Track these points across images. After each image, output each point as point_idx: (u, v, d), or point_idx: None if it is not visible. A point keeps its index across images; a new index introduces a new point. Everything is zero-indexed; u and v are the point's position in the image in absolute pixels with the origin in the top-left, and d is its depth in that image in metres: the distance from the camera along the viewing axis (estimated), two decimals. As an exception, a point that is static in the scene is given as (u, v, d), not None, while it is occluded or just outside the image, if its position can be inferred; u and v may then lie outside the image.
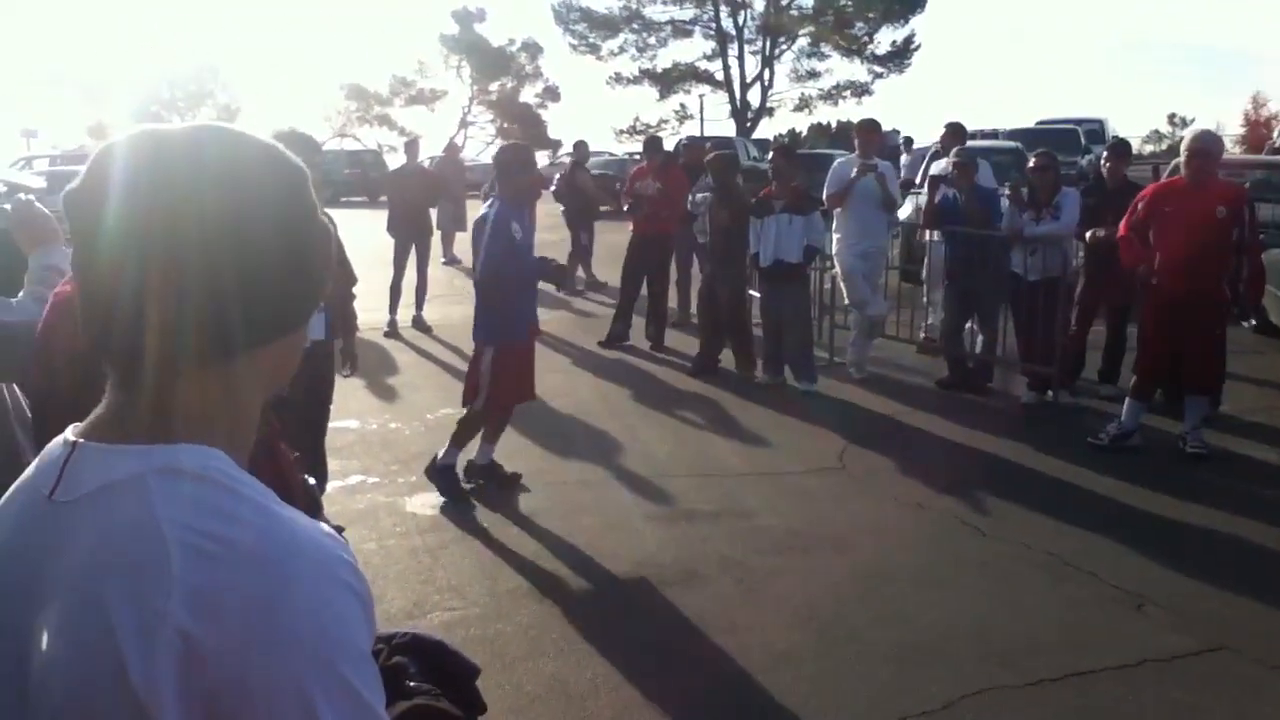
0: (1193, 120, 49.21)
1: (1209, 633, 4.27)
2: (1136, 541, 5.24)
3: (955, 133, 9.93)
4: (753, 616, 4.45)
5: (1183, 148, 6.63)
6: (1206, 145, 6.55)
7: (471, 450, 6.08)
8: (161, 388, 0.93)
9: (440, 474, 5.89)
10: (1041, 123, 26.46)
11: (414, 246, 11.30)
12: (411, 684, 1.75)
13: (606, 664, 4.03)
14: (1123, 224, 6.76)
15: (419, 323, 11.13)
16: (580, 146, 15.09)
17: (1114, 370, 8.03)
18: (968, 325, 8.69)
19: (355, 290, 5.58)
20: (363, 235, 11.19)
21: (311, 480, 2.39)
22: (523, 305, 5.93)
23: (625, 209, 10.78)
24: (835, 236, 8.77)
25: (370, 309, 9.63)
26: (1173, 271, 6.36)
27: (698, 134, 37.37)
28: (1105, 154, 8.16)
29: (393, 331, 10.82)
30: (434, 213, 15.91)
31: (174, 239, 0.90)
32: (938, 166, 9.57)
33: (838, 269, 8.97)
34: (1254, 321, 6.97)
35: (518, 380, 5.91)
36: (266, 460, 2.11)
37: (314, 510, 2.48)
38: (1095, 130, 27.27)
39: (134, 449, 0.92)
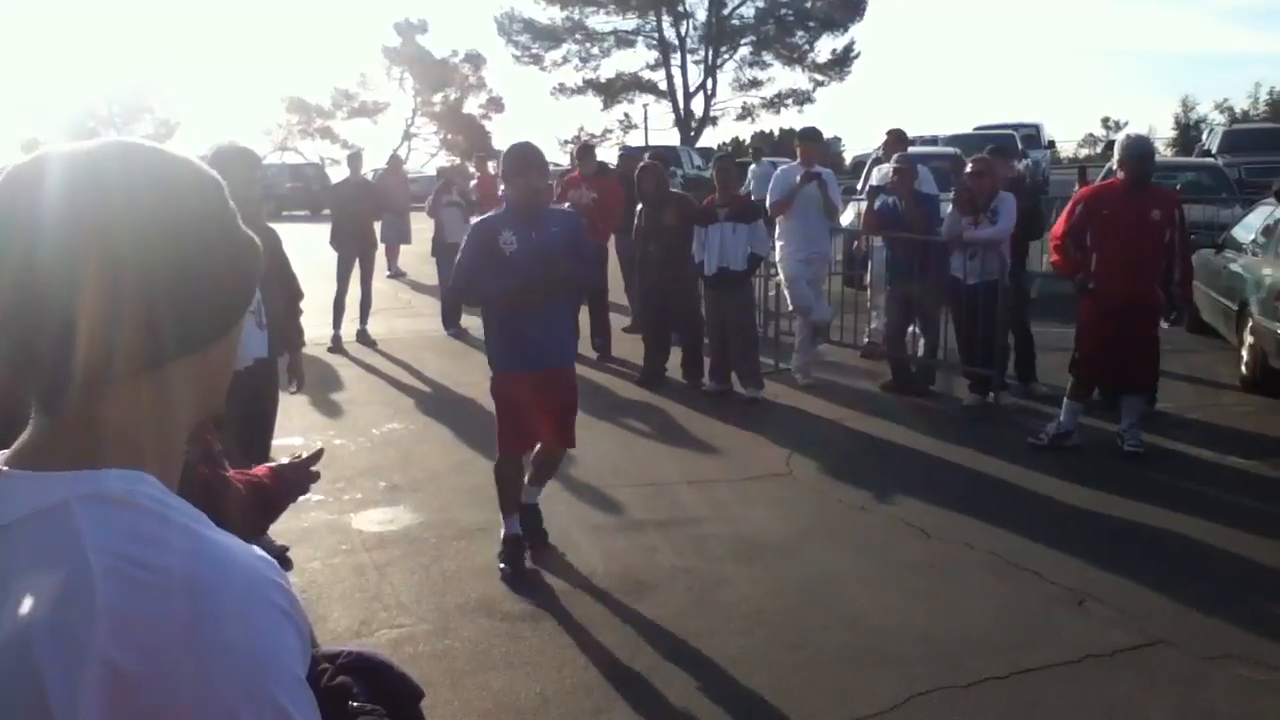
0: (1126, 124, 50.28)
1: (1148, 627, 4.35)
2: (1077, 539, 5.33)
3: (897, 139, 10.06)
4: (703, 624, 4.47)
5: (1119, 152, 6.77)
6: (1144, 149, 6.70)
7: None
8: (88, 406, 0.92)
9: (505, 550, 5.12)
10: (979, 128, 26.83)
11: (358, 260, 11.20)
12: (355, 704, 1.74)
13: (556, 678, 4.02)
14: (1058, 227, 6.89)
15: (363, 337, 11.04)
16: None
17: (1029, 370, 8.28)
18: (910, 329, 8.81)
19: (300, 305, 5.54)
20: (306, 249, 11.06)
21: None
22: (522, 329, 4.91)
23: None
24: (778, 244, 8.84)
25: (314, 324, 9.53)
26: (1113, 274, 6.49)
27: (640, 144, 37.46)
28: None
29: (337, 347, 10.72)
30: (378, 226, 15.85)
31: (106, 247, 0.89)
32: (878, 173, 9.69)
33: (781, 276, 9.04)
34: (1170, 321, 7.17)
35: (514, 423, 5.05)
36: (201, 484, 2.08)
37: (252, 532, 2.46)
38: (1032, 135, 27.74)
39: (61, 475, 0.91)
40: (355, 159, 12.48)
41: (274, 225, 5.40)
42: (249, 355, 4.75)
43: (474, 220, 5.20)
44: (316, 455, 2.36)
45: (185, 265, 0.93)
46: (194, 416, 1.01)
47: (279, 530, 5.42)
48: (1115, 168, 6.86)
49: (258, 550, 0.96)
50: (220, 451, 2.15)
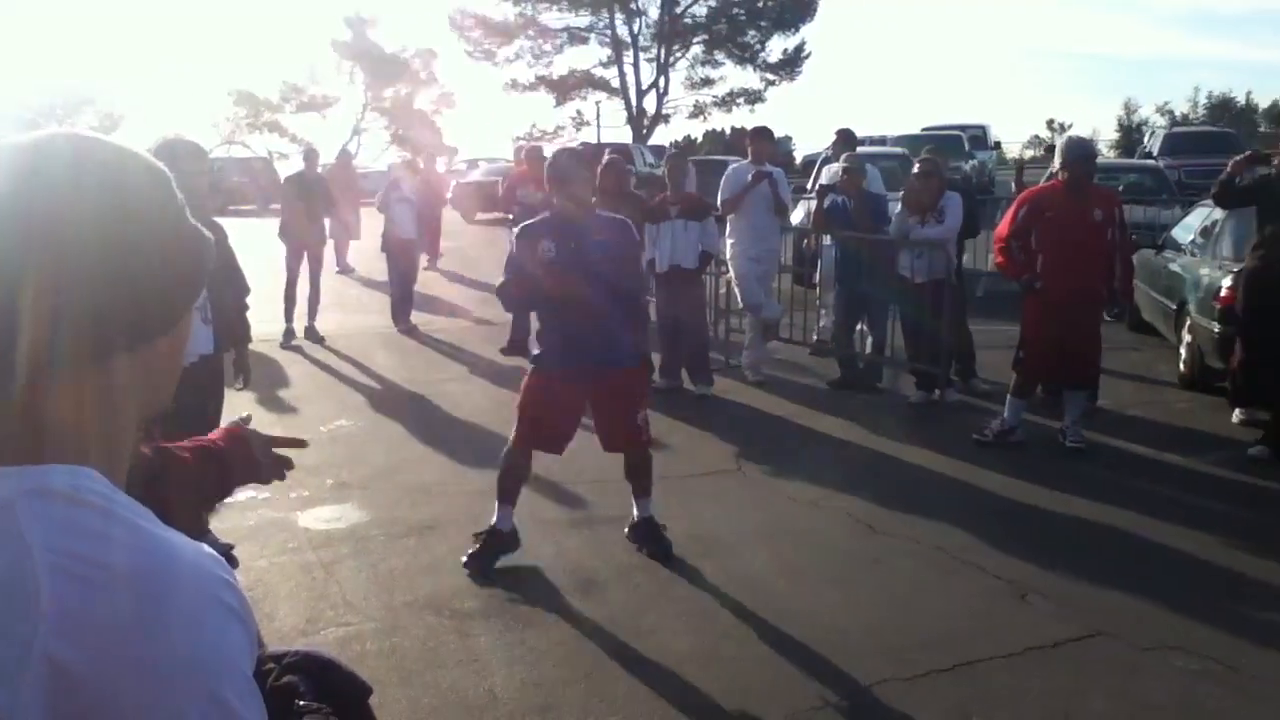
0: (1070, 125, 51.06)
1: (1088, 619, 4.44)
2: (1020, 534, 5.42)
3: (845, 139, 10.16)
4: (653, 621, 4.48)
5: (1061, 154, 6.89)
6: (1087, 151, 6.84)
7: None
8: (33, 401, 0.91)
9: (484, 534, 5.06)
10: (927, 129, 27.16)
11: (306, 254, 11.10)
12: (301, 703, 1.73)
13: (506, 674, 4.02)
14: (1002, 227, 7.01)
15: (311, 333, 10.92)
16: None
17: (969, 367, 8.43)
18: (858, 327, 8.90)
19: (247, 300, 5.48)
20: (254, 244, 10.93)
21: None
22: (568, 332, 4.93)
23: (509, 218, 10.62)
24: (729, 241, 8.89)
25: (263, 319, 9.42)
26: (1058, 274, 6.62)
27: (593, 140, 37.43)
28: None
29: (288, 341, 10.62)
30: (327, 221, 15.69)
31: (51, 238, 0.89)
32: (828, 173, 9.77)
33: (732, 273, 9.09)
34: (1112, 316, 7.37)
35: (534, 418, 5.01)
36: (148, 481, 2.05)
37: (199, 531, 2.43)
38: (978, 135, 28.13)
39: (4, 471, 0.90)
40: (311, 155, 12.48)
41: (221, 219, 5.33)
42: (194, 351, 4.69)
43: (521, 224, 5.18)
44: (297, 443, 2.08)
45: (133, 258, 0.93)
46: (142, 412, 1.00)
47: (224, 528, 5.37)
48: (1057, 169, 6.98)
49: (205, 547, 0.95)
50: (163, 449, 2.12)
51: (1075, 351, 6.71)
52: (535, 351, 5.13)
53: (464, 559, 4.97)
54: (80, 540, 0.87)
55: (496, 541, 5.00)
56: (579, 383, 4.93)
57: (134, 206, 0.94)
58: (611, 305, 4.93)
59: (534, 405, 4.99)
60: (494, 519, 5.03)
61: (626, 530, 5.28)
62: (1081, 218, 6.58)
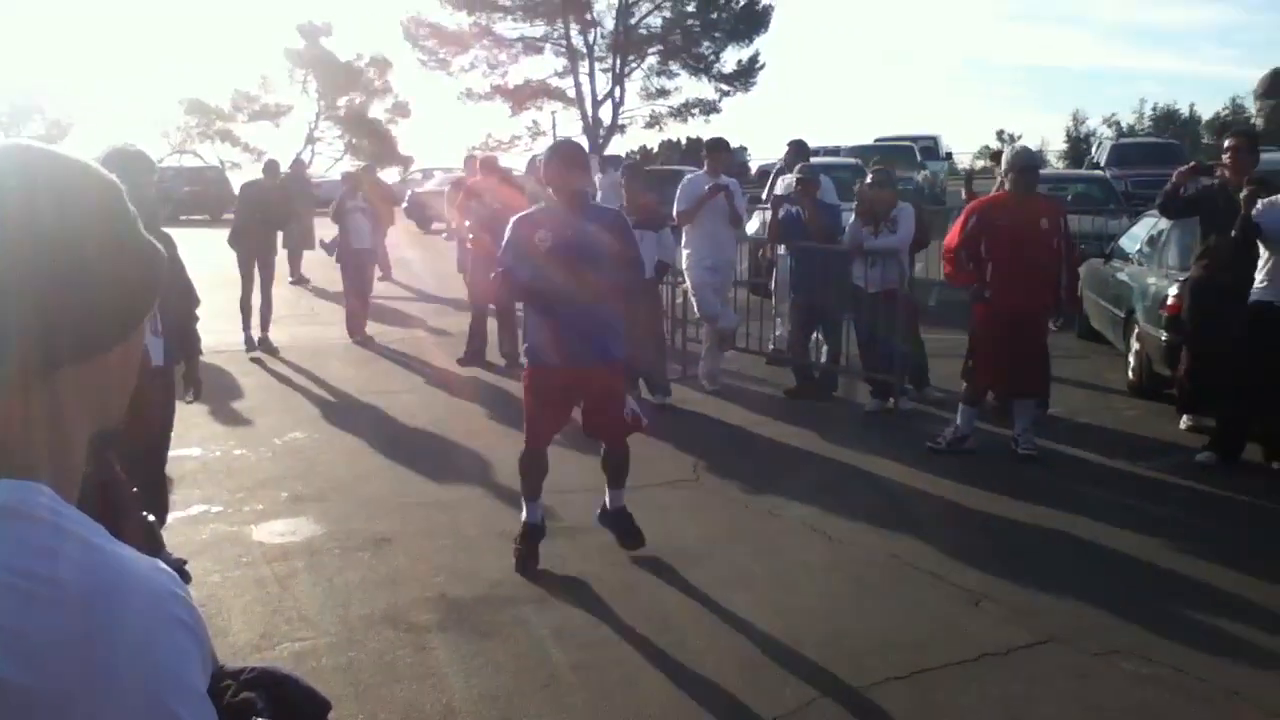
0: (1020, 136, 51.62)
1: (1041, 625, 4.50)
2: (973, 541, 5.48)
3: (798, 150, 10.26)
4: (609, 631, 4.48)
5: (1007, 164, 6.99)
6: (1032, 161, 6.96)
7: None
8: None
9: (520, 534, 5.18)
10: (880, 140, 27.45)
11: (257, 263, 10.97)
12: None
13: (464, 687, 4.00)
14: (951, 237, 7.10)
15: (265, 344, 10.82)
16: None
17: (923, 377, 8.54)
18: (813, 336, 8.97)
19: (198, 312, 5.42)
20: (205, 255, 10.82)
21: (151, 517, 2.29)
22: (558, 326, 4.94)
23: (466, 225, 10.50)
24: (685, 251, 8.92)
25: (215, 331, 9.31)
26: (1006, 283, 6.71)
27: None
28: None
29: (251, 348, 10.53)
30: (281, 231, 15.53)
31: (2, 251, 0.87)
32: (782, 183, 9.83)
33: (688, 283, 9.12)
34: (1058, 325, 7.47)
35: (539, 418, 5.12)
36: (99, 496, 2.02)
37: (154, 548, 2.39)
38: (930, 146, 28.46)
39: None
40: (271, 166, 12.44)
41: (172, 230, 5.27)
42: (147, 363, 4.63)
43: (515, 218, 5.17)
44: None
45: (82, 270, 0.91)
46: (92, 426, 0.98)
47: (176, 543, 5.29)
48: (1003, 179, 7.09)
49: (157, 562, 0.94)
50: (114, 466, 2.10)
51: (1023, 361, 6.81)
52: (524, 357, 5.19)
53: (516, 568, 5.05)
54: (27, 557, 0.85)
55: (536, 536, 5.15)
56: (573, 381, 5.04)
57: (85, 220, 0.93)
58: (603, 296, 5.00)
59: (535, 400, 5.11)
60: (524, 515, 5.18)
61: (597, 513, 5.38)
62: (1029, 227, 6.69)
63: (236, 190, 13.14)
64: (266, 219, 11.22)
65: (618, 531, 5.28)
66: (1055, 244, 6.76)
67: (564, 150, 5.12)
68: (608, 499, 5.35)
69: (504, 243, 5.06)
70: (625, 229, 5.24)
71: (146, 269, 1.00)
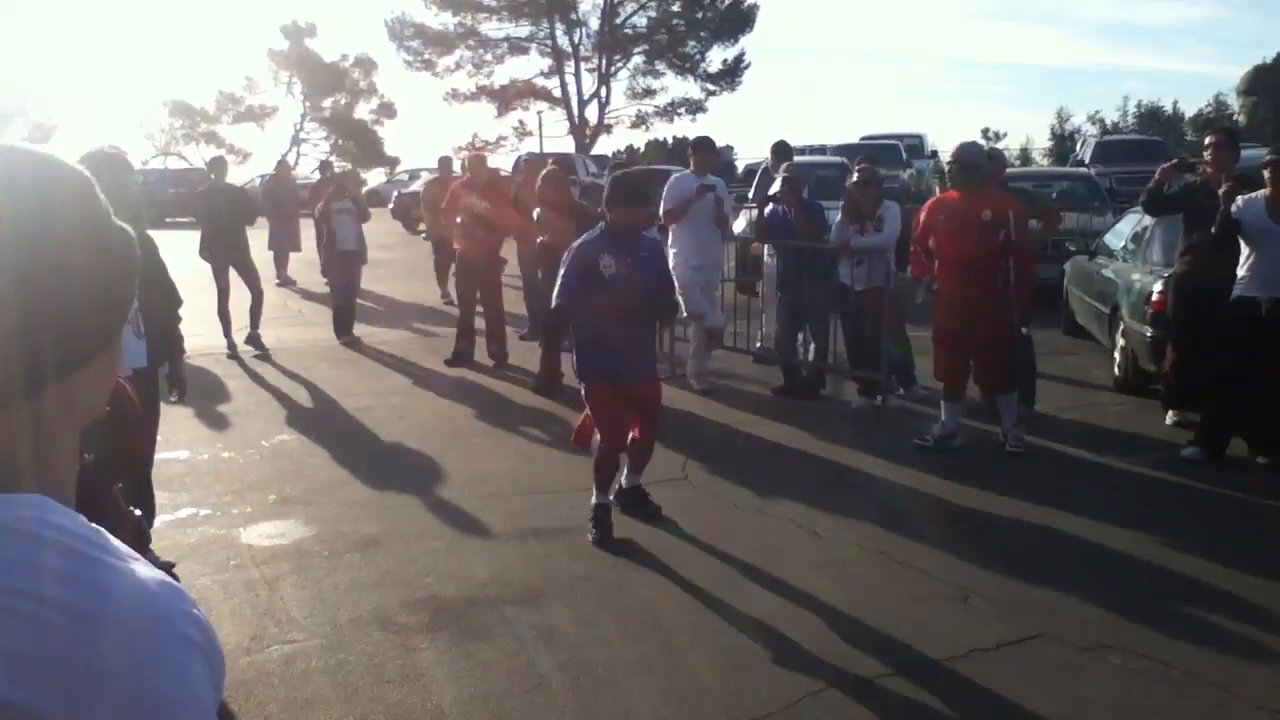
0: (1005, 134, 51.77)
1: (1029, 621, 4.51)
2: (961, 537, 5.50)
3: (781, 150, 10.32)
4: (599, 631, 4.48)
5: (947, 160, 7.14)
6: (966, 154, 6.93)
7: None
8: None
9: (595, 517, 5.55)
10: (865, 138, 27.50)
11: (231, 267, 10.87)
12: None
13: (454, 689, 3.99)
14: (915, 233, 7.21)
15: (256, 342, 10.75)
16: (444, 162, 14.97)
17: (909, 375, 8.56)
18: (800, 335, 8.99)
19: (180, 313, 5.40)
20: (190, 256, 10.77)
21: (138, 512, 2.28)
22: (613, 346, 5.36)
23: (457, 224, 10.46)
24: (672, 251, 8.92)
25: (199, 333, 9.29)
26: (949, 275, 6.84)
27: (535, 151, 37.36)
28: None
29: (234, 353, 10.48)
30: (265, 234, 15.46)
31: None
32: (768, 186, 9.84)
33: (675, 283, 9.11)
34: (1025, 328, 7.37)
35: (612, 425, 5.52)
36: (87, 494, 2.01)
37: (141, 545, 2.38)
38: (915, 145, 28.52)
39: None
40: (218, 164, 12.08)
41: (158, 232, 5.26)
42: (128, 366, 4.62)
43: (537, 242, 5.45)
44: None
45: (68, 283, 0.88)
46: (76, 431, 0.96)
47: (164, 546, 5.28)
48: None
49: (165, 577, 0.91)
50: (94, 465, 2.09)
51: (979, 355, 6.87)
52: (580, 377, 5.52)
53: (592, 540, 5.42)
54: (23, 576, 0.82)
55: (605, 511, 5.54)
56: (626, 391, 5.47)
57: (70, 227, 0.90)
58: (650, 317, 5.70)
59: (607, 410, 5.48)
60: (595, 499, 5.53)
61: (611, 495, 5.66)
62: (969, 220, 6.69)
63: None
64: (225, 220, 10.94)
65: (637, 508, 5.75)
66: (999, 237, 6.66)
67: (631, 185, 5.55)
68: (626, 480, 5.81)
69: (565, 270, 5.34)
70: (664, 258, 5.75)
71: (125, 266, 0.96)
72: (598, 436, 5.63)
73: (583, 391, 5.56)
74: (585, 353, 5.47)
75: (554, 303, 5.52)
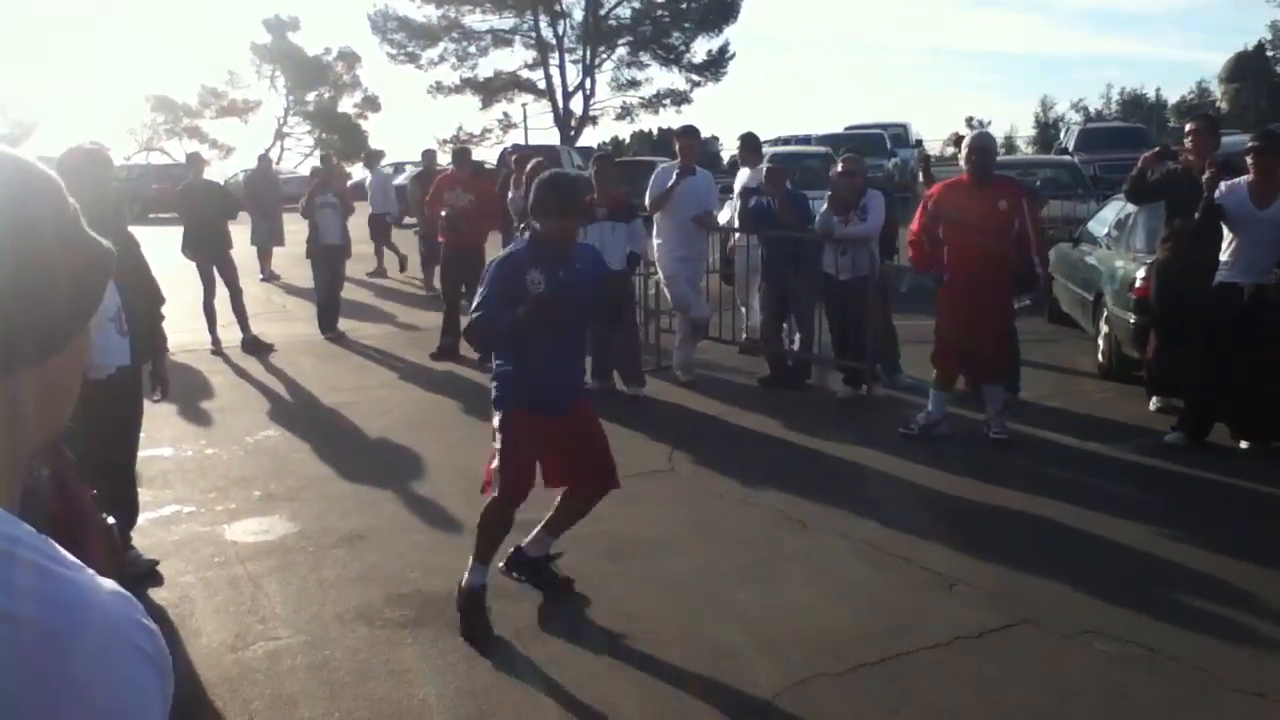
0: (989, 123, 51.92)
1: (1014, 608, 4.53)
2: (946, 525, 5.52)
3: (750, 144, 10.38)
4: (585, 623, 4.48)
5: (964, 146, 7.05)
6: (985, 143, 6.97)
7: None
8: None
9: (464, 602, 4.47)
10: (850, 128, 27.53)
11: (215, 264, 10.81)
12: None
13: (438, 684, 3.99)
14: (915, 224, 7.14)
15: (250, 344, 10.66)
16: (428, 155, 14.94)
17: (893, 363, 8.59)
18: (785, 324, 8.99)
19: (163, 310, 5.37)
20: (172, 252, 10.70)
21: (111, 520, 2.25)
22: (537, 366, 4.45)
23: (442, 217, 10.42)
24: (657, 242, 8.92)
25: (182, 330, 9.24)
26: (962, 265, 6.75)
27: (522, 143, 37.28)
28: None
29: (219, 350, 10.43)
30: (248, 229, 15.39)
31: None
32: (752, 175, 9.78)
33: (661, 274, 9.12)
34: (1030, 302, 7.46)
35: (520, 465, 4.48)
36: (59, 499, 2.00)
37: (113, 551, 2.36)
38: (900, 134, 28.57)
39: None
40: (195, 160, 12.08)
41: (141, 228, 5.23)
42: (111, 364, 4.60)
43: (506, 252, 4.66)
44: None
45: (43, 266, 0.88)
46: (36, 435, 0.94)
47: (148, 543, 5.27)
48: (962, 164, 7.13)
49: (116, 586, 0.89)
50: (72, 465, 2.07)
51: (985, 345, 6.85)
52: (496, 404, 4.58)
53: (462, 633, 4.37)
54: None
55: (477, 598, 4.46)
56: (556, 426, 4.55)
57: (40, 218, 0.90)
58: (582, 338, 4.78)
59: (522, 447, 4.47)
60: (468, 577, 4.48)
61: (502, 564, 4.79)
62: (987, 209, 6.70)
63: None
64: (207, 217, 10.86)
65: (538, 581, 4.78)
66: (1014, 225, 6.75)
67: (561, 186, 4.45)
68: (533, 543, 4.81)
69: (484, 287, 4.44)
70: (604, 264, 4.85)
71: (95, 261, 0.96)
72: (495, 482, 4.47)
73: (495, 422, 4.53)
74: (505, 377, 4.55)
75: (464, 325, 4.65)
